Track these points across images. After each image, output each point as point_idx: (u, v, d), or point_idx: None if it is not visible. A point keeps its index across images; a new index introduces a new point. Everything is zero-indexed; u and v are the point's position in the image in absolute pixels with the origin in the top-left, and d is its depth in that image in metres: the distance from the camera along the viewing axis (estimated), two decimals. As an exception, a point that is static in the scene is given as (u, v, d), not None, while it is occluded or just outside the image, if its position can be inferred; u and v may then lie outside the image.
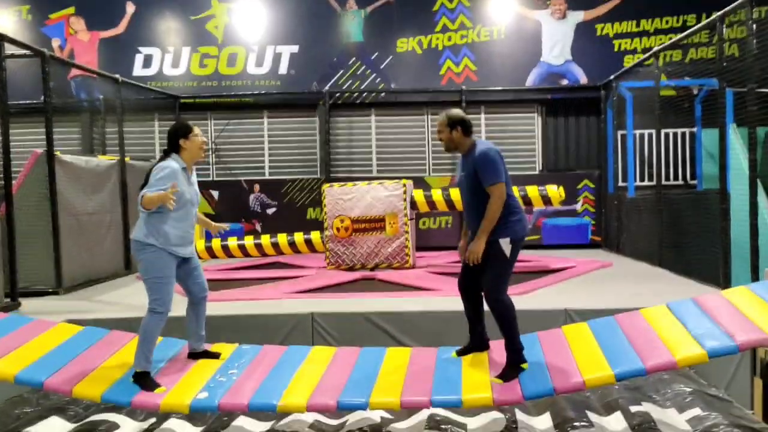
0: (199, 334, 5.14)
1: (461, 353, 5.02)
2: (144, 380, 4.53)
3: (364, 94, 13.20)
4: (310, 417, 4.80)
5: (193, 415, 4.73)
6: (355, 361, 4.89)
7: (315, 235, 10.31)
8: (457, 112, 4.81)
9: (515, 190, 9.67)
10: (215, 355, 5.13)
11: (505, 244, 4.53)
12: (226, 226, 5.33)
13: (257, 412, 4.48)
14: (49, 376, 4.50)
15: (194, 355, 5.11)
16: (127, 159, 10.73)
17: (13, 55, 8.53)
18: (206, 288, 5.11)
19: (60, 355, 4.78)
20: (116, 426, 4.87)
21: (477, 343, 5.03)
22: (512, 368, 4.49)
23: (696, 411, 4.81)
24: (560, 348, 4.69)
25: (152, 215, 4.63)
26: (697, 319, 4.46)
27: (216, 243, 10.61)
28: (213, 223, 5.29)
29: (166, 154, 4.83)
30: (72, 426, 4.92)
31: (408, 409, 4.62)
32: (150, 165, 11.40)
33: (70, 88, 13.08)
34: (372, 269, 9.87)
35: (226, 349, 5.22)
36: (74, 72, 12.85)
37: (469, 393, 4.23)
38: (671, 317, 4.62)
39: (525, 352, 4.57)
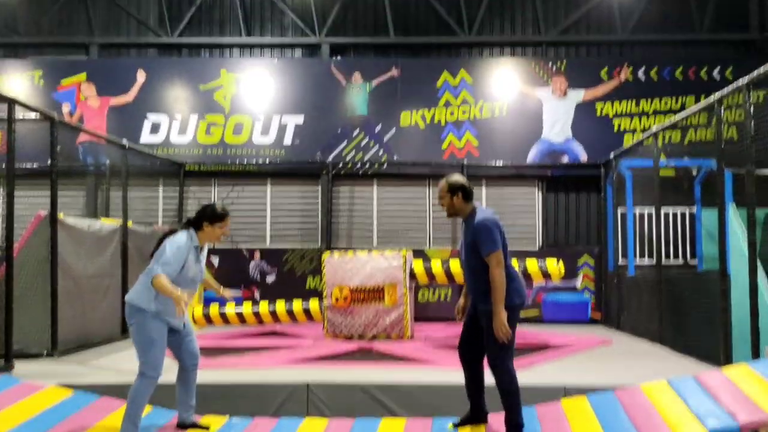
0: (189, 404, 5.06)
1: (459, 425, 4.94)
2: None
3: (367, 165, 13.36)
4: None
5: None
6: (349, 433, 4.80)
7: (313, 304, 10.26)
8: (457, 178, 4.86)
9: (515, 262, 9.71)
10: (204, 428, 5.04)
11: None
12: (233, 293, 5.23)
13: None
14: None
15: (183, 426, 5.02)
16: (129, 223, 10.78)
17: (24, 119, 8.69)
18: (198, 355, 5.07)
19: (46, 420, 4.70)
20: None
21: (476, 415, 4.96)
22: (510, 443, 4.42)
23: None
24: (559, 426, 4.60)
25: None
26: (698, 397, 4.40)
27: (213, 310, 10.56)
28: (221, 287, 5.21)
29: (185, 226, 4.85)
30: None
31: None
32: (159, 232, 11.54)
33: (77, 152, 13.25)
34: (370, 340, 9.79)
35: (215, 421, 5.12)
36: (82, 137, 13.04)
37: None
38: (672, 394, 4.56)
39: (526, 428, 4.49)
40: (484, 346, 4.71)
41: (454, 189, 4.80)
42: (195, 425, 5.04)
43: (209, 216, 4.86)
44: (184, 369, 5.01)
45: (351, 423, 5.02)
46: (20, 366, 7.71)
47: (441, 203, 4.89)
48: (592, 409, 4.72)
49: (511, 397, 4.50)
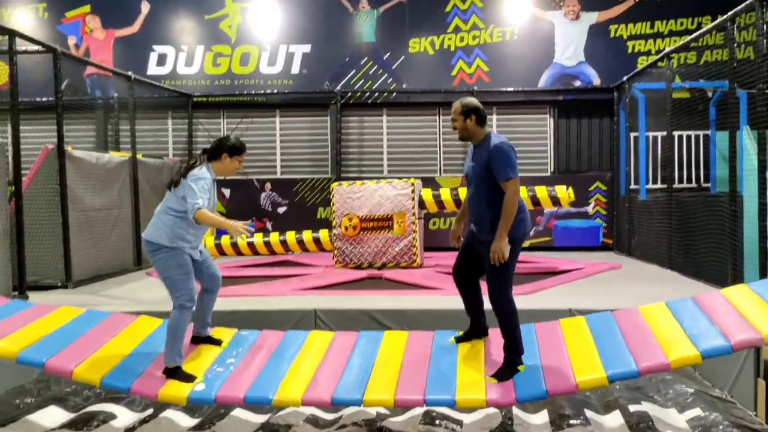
0: (206, 321, 5.17)
1: (460, 340, 5.01)
2: (177, 374, 4.56)
3: (376, 94, 13.21)
4: (307, 410, 4.80)
5: (190, 406, 4.73)
6: (352, 346, 4.88)
7: (323, 234, 10.33)
8: (471, 100, 4.75)
9: (523, 190, 9.66)
10: (217, 342, 5.15)
11: (505, 243, 4.47)
12: (247, 228, 4.99)
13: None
14: (50, 357, 4.53)
15: (197, 340, 5.13)
16: (139, 156, 10.81)
17: (25, 51, 8.64)
18: (219, 277, 5.15)
19: (61, 337, 4.81)
20: (113, 416, 4.90)
21: (475, 330, 5.02)
22: (508, 369, 4.45)
23: (696, 411, 4.76)
24: (555, 344, 4.65)
25: (175, 220, 4.65)
26: (694, 319, 4.41)
27: (225, 240, 10.66)
28: (232, 222, 4.89)
29: (203, 157, 4.83)
30: (70, 416, 4.96)
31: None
32: (170, 164, 11.52)
33: (85, 85, 13.20)
34: (379, 268, 9.87)
35: (226, 334, 5.23)
36: (90, 70, 12.98)
37: (462, 393, 4.19)
38: (669, 316, 4.57)
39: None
40: (481, 274, 4.71)
41: (467, 111, 4.69)
42: (209, 339, 5.16)
43: (229, 148, 4.86)
44: (205, 290, 5.10)
45: (355, 336, 5.10)
46: (34, 296, 7.85)
47: (453, 125, 4.80)
48: (588, 327, 4.75)
49: (511, 326, 4.51)
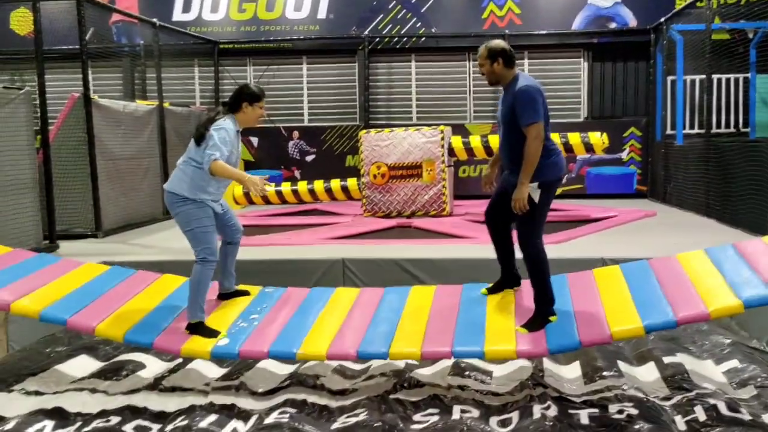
0: (232, 273, 5.13)
1: (492, 291, 4.91)
2: (200, 329, 4.53)
3: (404, 39, 12.91)
4: (334, 361, 4.75)
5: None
6: (379, 301, 4.80)
7: (351, 182, 10.21)
8: (497, 43, 4.56)
9: (556, 137, 9.43)
10: (245, 293, 5.12)
11: (534, 188, 4.31)
12: (266, 183, 4.84)
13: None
14: (73, 314, 4.53)
15: (224, 296, 5.09)
16: (166, 104, 10.73)
17: (50, -2, 8.53)
18: (241, 229, 5.09)
19: (85, 294, 4.80)
20: (142, 366, 4.91)
21: (507, 279, 4.92)
22: (539, 319, 4.34)
23: (733, 363, 4.62)
24: (589, 294, 4.51)
25: (196, 171, 4.56)
26: (735, 267, 4.23)
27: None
28: (249, 176, 4.64)
29: (224, 109, 4.71)
30: (100, 364, 4.98)
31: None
32: (197, 112, 11.43)
33: (110, 33, 13.07)
34: (408, 217, 9.76)
35: (250, 290, 5.19)
36: (115, 17, 12.82)
37: (492, 344, 4.09)
38: (708, 264, 4.39)
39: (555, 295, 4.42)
40: (512, 219, 4.58)
41: (494, 54, 4.50)
42: (237, 292, 5.13)
43: (248, 96, 4.70)
44: (227, 243, 5.04)
45: (381, 292, 5.02)
46: (65, 246, 7.91)
47: (481, 71, 4.62)
48: (624, 278, 4.60)
49: (540, 275, 4.38)
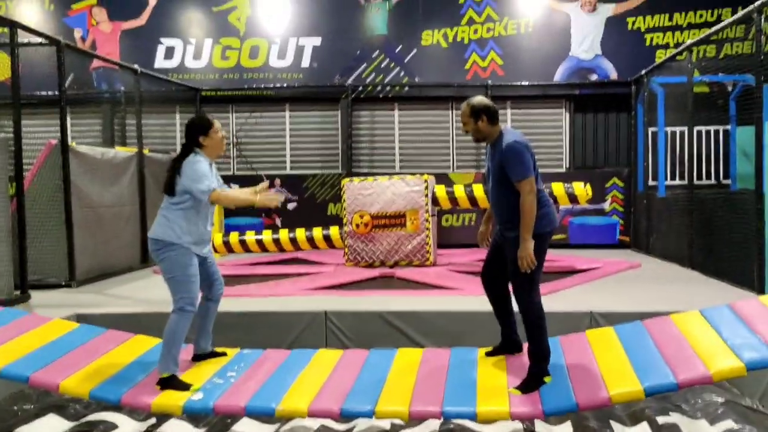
0: (209, 332, 4.92)
1: (490, 354, 4.75)
2: (173, 383, 4.30)
3: (388, 88, 12.93)
4: (316, 422, 4.54)
5: (192, 416, 4.49)
6: (363, 362, 4.62)
7: (334, 231, 10.07)
8: (479, 100, 4.48)
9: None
10: (222, 354, 4.90)
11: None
12: (281, 193, 4.66)
13: (256, 416, 4.20)
14: (36, 370, 4.30)
15: (200, 357, 4.88)
16: (146, 151, 10.59)
17: (28, 44, 8.41)
18: (222, 283, 4.90)
19: (51, 351, 4.58)
20: (114, 426, 4.64)
21: (507, 344, 4.76)
22: (534, 379, 4.19)
23: (729, 423, 4.46)
24: (584, 356, 4.37)
25: (179, 214, 4.40)
26: (734, 328, 4.12)
27: (233, 237, 10.41)
28: (259, 195, 4.58)
29: (186, 150, 4.56)
30: (70, 425, 4.72)
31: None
32: (169, 157, 11.28)
33: (91, 79, 12.97)
34: (391, 267, 9.61)
35: (227, 352, 4.97)
36: (96, 63, 12.74)
37: (484, 404, 3.93)
38: (705, 324, 4.28)
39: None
40: (508, 275, 4.46)
41: (477, 112, 4.43)
42: (213, 354, 4.91)
43: (200, 128, 4.55)
44: (208, 299, 4.84)
45: (365, 354, 4.83)
46: (36, 296, 7.65)
47: (465, 129, 4.54)
48: (618, 339, 4.46)
49: (536, 329, 4.26)
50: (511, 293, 4.50)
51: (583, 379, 4.06)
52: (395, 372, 4.43)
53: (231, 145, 13.02)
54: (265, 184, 4.70)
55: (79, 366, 4.43)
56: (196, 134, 4.55)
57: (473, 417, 3.90)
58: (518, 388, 4.15)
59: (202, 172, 4.35)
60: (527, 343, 4.32)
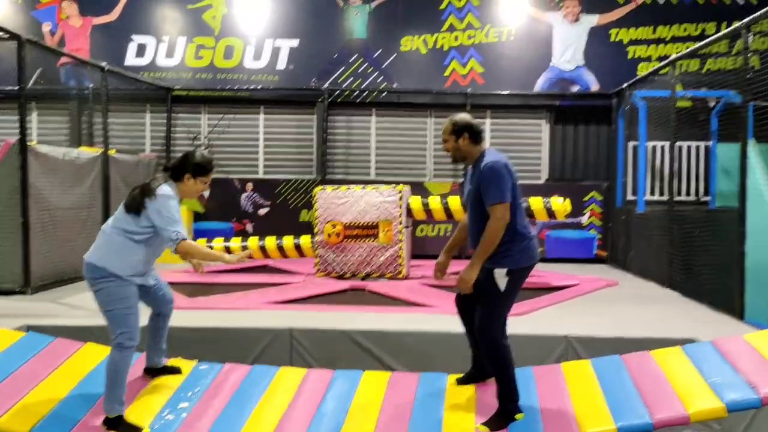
0: (161, 348, 4.57)
1: (462, 382, 4.45)
2: (119, 426, 3.93)
3: (365, 93, 12.63)
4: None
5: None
6: (326, 388, 4.30)
7: (305, 240, 9.75)
8: (463, 116, 4.19)
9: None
10: (176, 370, 4.56)
11: (500, 275, 3.90)
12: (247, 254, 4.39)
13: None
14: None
15: (152, 371, 4.54)
16: (112, 152, 10.20)
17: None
18: (172, 300, 4.54)
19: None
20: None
21: (479, 372, 4.46)
22: (502, 417, 3.91)
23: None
24: (557, 390, 4.10)
25: (126, 243, 4.03)
26: (715, 366, 3.88)
27: (200, 244, 10.01)
28: (229, 256, 4.30)
29: (165, 175, 4.19)
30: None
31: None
32: (145, 160, 10.87)
33: (58, 74, 12.53)
34: (363, 279, 9.32)
35: (183, 366, 4.63)
36: (64, 59, 12.31)
37: (448, 446, 3.64)
38: (685, 361, 4.04)
39: (519, 390, 3.99)
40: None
41: (459, 129, 4.13)
42: (165, 369, 4.57)
43: (194, 167, 4.16)
44: (157, 315, 4.50)
45: (331, 375, 4.53)
46: (-12, 303, 7.27)
47: (445, 147, 4.24)
48: (595, 374, 4.20)
49: (502, 367, 3.96)
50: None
51: (555, 416, 3.80)
52: (359, 400, 4.13)
53: (203, 147, 12.64)
54: (247, 252, 4.33)
55: (19, 394, 4.05)
56: (187, 170, 4.17)
57: (437, 459, 3.61)
58: (485, 424, 3.87)
59: (176, 215, 4.00)
60: (495, 381, 4.03)
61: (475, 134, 4.13)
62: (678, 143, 10.28)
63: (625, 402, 3.77)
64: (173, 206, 4.00)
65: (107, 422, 3.93)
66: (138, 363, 4.48)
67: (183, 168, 4.17)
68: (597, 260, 12.15)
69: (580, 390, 4.03)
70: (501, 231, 3.87)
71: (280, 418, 3.98)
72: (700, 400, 3.63)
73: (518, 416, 3.91)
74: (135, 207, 4.05)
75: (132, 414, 4.00)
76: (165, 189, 4.05)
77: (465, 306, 4.38)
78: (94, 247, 4.12)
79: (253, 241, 9.95)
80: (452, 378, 4.55)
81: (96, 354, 4.71)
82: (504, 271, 3.90)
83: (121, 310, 4.00)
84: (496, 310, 3.93)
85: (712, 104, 11.03)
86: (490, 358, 3.98)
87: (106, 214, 9.76)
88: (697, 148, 11.46)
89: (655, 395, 3.77)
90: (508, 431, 3.75)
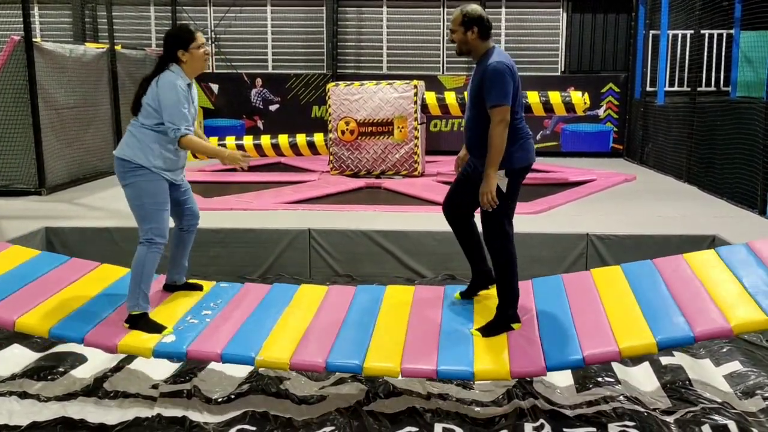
0: (183, 265, 4.51)
1: (465, 295, 4.38)
2: (142, 323, 3.92)
3: (376, -18, 12.15)
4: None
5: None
6: (350, 304, 4.25)
7: (318, 138, 9.59)
8: (475, 8, 3.97)
9: (534, 95, 8.92)
10: (197, 287, 4.54)
11: (501, 176, 3.79)
12: (246, 158, 4.22)
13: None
14: (-12, 306, 3.92)
15: (171, 288, 4.52)
16: (118, 47, 9.93)
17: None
18: (198, 215, 4.46)
19: (7, 283, 4.17)
20: (83, 359, 4.35)
21: (480, 279, 4.38)
22: (500, 324, 3.88)
23: (735, 365, 4.23)
24: (589, 300, 4.00)
25: (150, 135, 3.93)
26: (754, 272, 3.78)
27: (212, 143, 9.90)
28: (228, 152, 4.13)
29: (163, 64, 4.04)
30: (35, 357, 4.42)
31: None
32: (153, 55, 10.58)
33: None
34: (378, 176, 9.23)
35: (203, 285, 4.59)
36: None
37: (482, 363, 3.55)
38: (721, 266, 3.92)
39: (549, 300, 3.94)
40: (473, 208, 4.07)
41: (469, 21, 3.91)
42: (187, 285, 4.54)
43: (179, 42, 3.98)
44: (182, 229, 4.43)
45: (352, 293, 4.45)
46: (3, 205, 7.25)
47: (452, 37, 4.02)
48: (627, 281, 4.10)
49: (506, 271, 3.89)
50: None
51: (590, 329, 3.70)
52: (384, 317, 4.05)
53: (209, 41, 12.30)
54: (247, 160, 4.16)
55: (37, 300, 4.04)
56: (174, 48, 3.98)
57: (471, 377, 3.55)
58: (480, 330, 3.86)
59: (178, 103, 3.85)
60: (497, 285, 3.98)
61: (484, 29, 3.92)
62: (703, 30, 9.92)
63: (662, 313, 3.65)
64: (174, 96, 3.87)
65: (129, 319, 3.92)
66: (157, 282, 4.43)
67: (170, 49, 4.01)
68: (613, 153, 11.99)
69: (613, 300, 3.91)
70: (504, 133, 3.72)
71: (306, 326, 3.93)
72: (742, 311, 3.49)
73: (515, 326, 3.87)
74: (138, 105, 3.96)
75: (154, 316, 4.00)
76: (166, 77, 3.92)
77: (454, 213, 4.23)
78: (120, 143, 4.04)
79: (265, 140, 9.81)
80: (457, 296, 4.47)
81: (113, 273, 4.61)
82: (503, 172, 3.79)
83: (150, 205, 3.95)
84: (499, 211, 3.84)
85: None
86: (496, 262, 3.91)
87: (117, 111, 9.62)
88: (720, 36, 11.05)
89: (694, 305, 3.64)
90: (543, 347, 3.69)
